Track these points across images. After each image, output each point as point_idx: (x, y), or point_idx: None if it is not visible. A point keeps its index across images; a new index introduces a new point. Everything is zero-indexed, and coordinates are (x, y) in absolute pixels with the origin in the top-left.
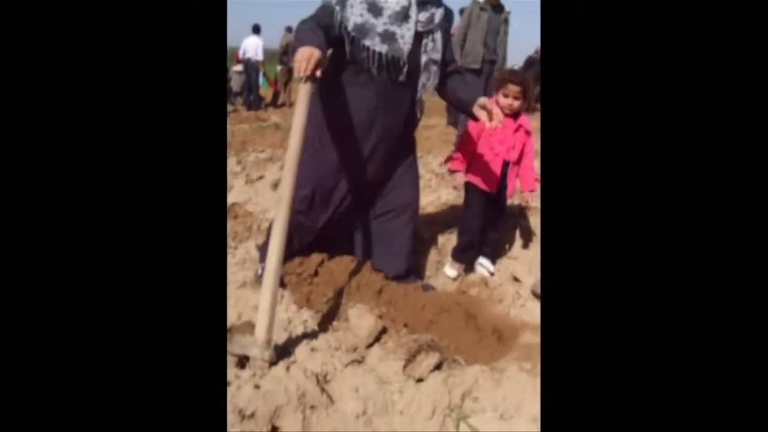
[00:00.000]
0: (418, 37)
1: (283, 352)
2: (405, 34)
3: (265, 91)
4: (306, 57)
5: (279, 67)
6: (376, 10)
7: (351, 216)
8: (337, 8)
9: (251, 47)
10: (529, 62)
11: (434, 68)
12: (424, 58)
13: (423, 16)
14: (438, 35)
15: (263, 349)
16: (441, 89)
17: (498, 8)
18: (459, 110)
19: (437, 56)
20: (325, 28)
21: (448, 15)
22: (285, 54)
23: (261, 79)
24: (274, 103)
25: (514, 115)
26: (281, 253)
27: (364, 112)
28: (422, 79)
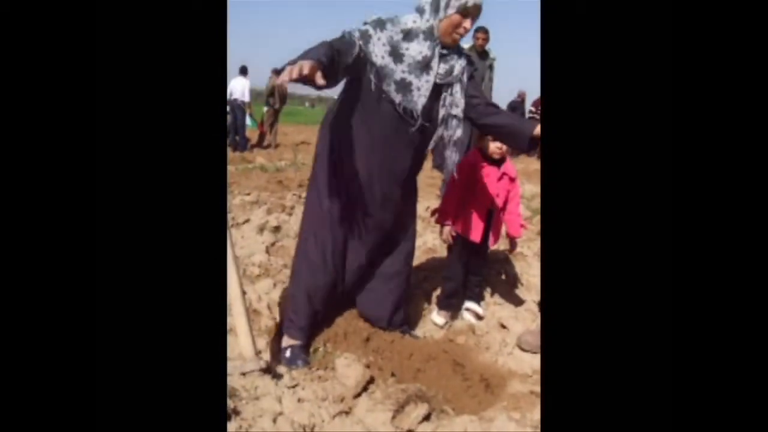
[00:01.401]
0: (437, 89)
1: (270, 402)
2: (422, 86)
3: (251, 132)
4: (291, 68)
5: (265, 109)
6: (396, 56)
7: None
8: (360, 42)
9: (238, 88)
10: (512, 107)
11: (454, 122)
12: (442, 112)
13: (443, 68)
14: (457, 88)
15: (256, 360)
16: (485, 129)
17: (483, 55)
18: (511, 145)
19: (457, 111)
20: (337, 54)
21: (469, 64)
22: (271, 96)
23: (248, 120)
24: (260, 144)
25: (499, 161)
26: (239, 278)
27: (362, 152)
28: (440, 131)
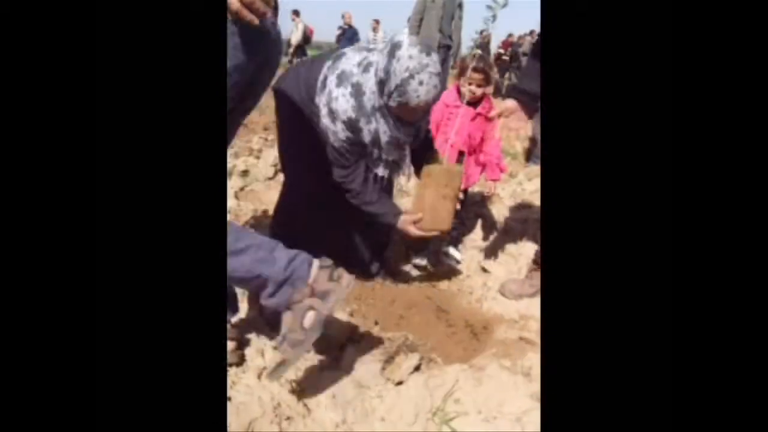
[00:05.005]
0: None
1: (251, 356)
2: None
3: None
4: None
5: None
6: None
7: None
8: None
9: None
10: (478, 47)
11: None
12: None
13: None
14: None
15: None
16: None
17: None
18: None
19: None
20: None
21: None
22: None
23: None
24: None
25: (475, 102)
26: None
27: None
28: None
